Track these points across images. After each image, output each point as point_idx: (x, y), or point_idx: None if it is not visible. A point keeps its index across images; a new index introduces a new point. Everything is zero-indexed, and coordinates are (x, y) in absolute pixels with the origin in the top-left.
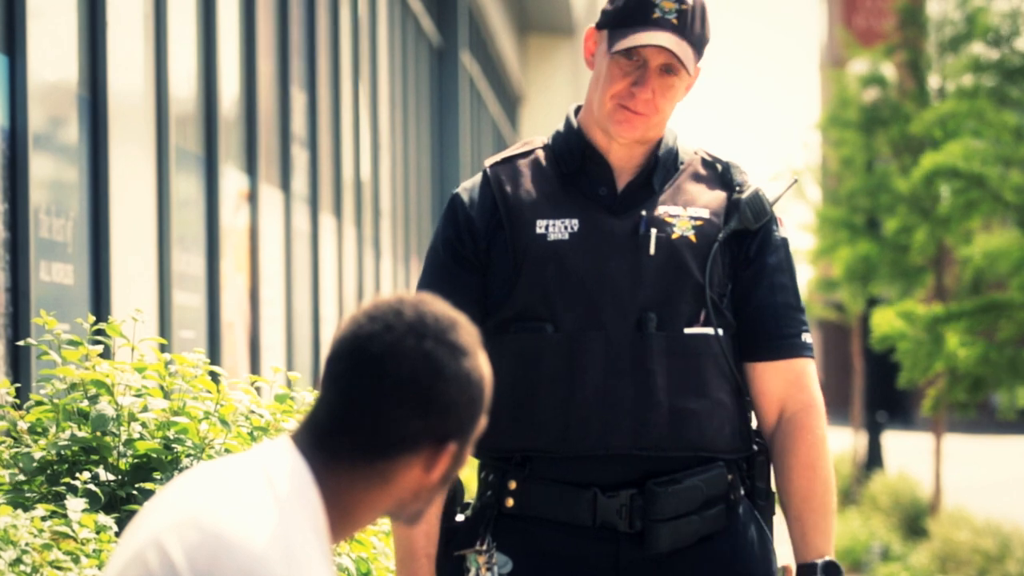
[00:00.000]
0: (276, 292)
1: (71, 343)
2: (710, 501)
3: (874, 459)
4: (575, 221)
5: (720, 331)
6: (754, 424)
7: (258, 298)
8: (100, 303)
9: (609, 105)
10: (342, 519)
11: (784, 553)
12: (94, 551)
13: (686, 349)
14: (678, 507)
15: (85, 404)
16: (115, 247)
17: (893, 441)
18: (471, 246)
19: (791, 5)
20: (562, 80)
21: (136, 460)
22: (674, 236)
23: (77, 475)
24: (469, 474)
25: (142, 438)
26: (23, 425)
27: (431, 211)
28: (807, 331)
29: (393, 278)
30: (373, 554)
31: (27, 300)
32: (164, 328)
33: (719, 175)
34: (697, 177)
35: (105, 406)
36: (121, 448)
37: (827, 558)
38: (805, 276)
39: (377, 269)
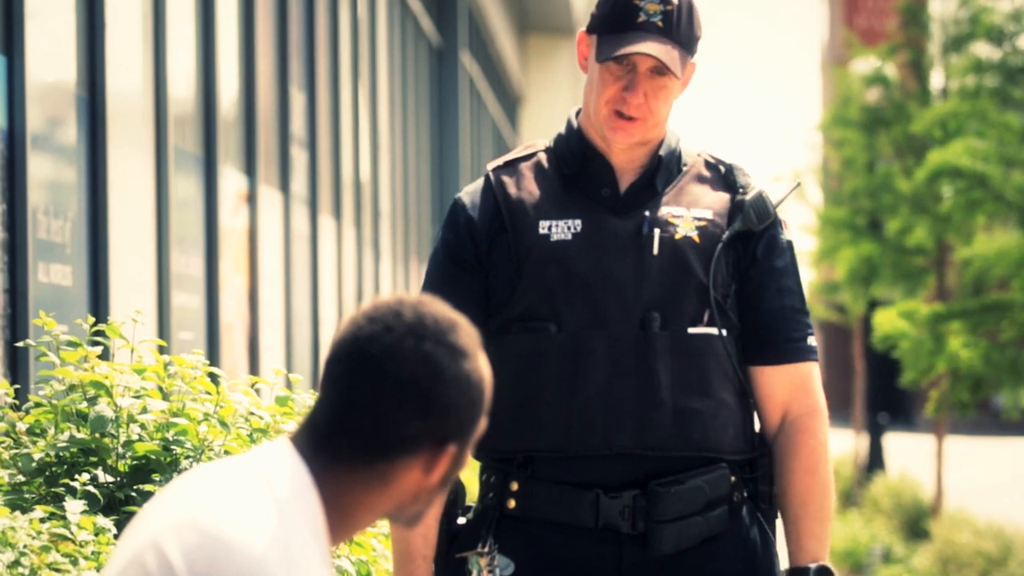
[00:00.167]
0: (275, 293)
1: (70, 344)
2: (713, 502)
3: (875, 461)
4: (578, 222)
5: (724, 332)
6: (757, 427)
7: (257, 299)
8: (99, 304)
9: (604, 111)
10: (341, 521)
11: (785, 556)
12: (93, 553)
13: (690, 349)
14: (681, 508)
15: (84, 405)
16: (114, 248)
17: (894, 443)
18: (472, 249)
19: (792, 5)
20: (562, 80)
21: (135, 462)
22: (677, 236)
23: (76, 477)
24: (471, 477)
25: (141, 440)
26: (22, 426)
27: (431, 212)
28: (812, 334)
29: (392, 279)
30: (373, 556)
31: (26, 301)
32: (163, 329)
33: (722, 177)
34: (700, 179)
35: (104, 407)
36: (120, 450)
37: (820, 563)
38: (807, 279)
39: (376, 270)
